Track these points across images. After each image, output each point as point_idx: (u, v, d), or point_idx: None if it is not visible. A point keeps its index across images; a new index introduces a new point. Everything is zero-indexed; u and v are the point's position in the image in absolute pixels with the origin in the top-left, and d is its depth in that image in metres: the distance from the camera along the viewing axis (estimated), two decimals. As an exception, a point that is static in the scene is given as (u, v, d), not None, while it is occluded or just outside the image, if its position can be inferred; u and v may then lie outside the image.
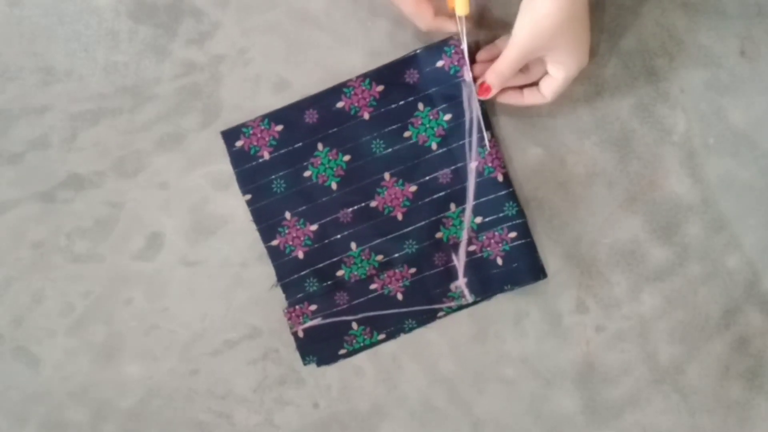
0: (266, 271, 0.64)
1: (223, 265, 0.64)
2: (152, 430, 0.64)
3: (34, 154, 0.64)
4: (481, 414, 0.64)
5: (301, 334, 0.63)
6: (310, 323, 0.63)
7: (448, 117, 0.63)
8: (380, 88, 0.63)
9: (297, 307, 0.63)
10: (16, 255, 0.64)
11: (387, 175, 0.63)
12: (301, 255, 0.63)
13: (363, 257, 0.63)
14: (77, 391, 0.64)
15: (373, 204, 0.63)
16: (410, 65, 0.63)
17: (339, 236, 0.63)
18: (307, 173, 0.63)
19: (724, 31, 0.64)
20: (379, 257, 0.63)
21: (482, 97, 0.61)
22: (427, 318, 0.64)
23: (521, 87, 0.62)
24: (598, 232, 0.64)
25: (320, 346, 0.64)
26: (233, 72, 0.64)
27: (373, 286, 0.63)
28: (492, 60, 0.61)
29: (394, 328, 0.64)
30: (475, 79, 0.62)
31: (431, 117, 0.63)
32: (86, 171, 0.64)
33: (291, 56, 0.64)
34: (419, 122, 0.63)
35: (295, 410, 0.64)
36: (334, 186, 0.63)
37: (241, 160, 0.63)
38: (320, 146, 0.63)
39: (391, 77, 0.63)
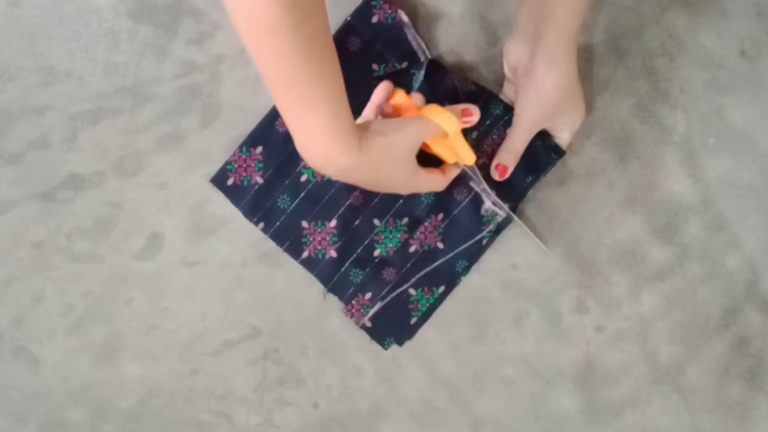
0: (266, 272, 0.64)
1: (223, 265, 0.64)
2: (152, 430, 0.64)
3: (34, 154, 0.64)
4: (481, 414, 0.64)
5: (369, 324, 0.64)
6: (372, 311, 0.64)
7: (405, 64, 0.63)
8: None
9: (353, 302, 0.64)
10: (16, 255, 0.64)
11: None
12: (334, 254, 0.63)
13: (390, 228, 0.64)
14: (77, 391, 0.64)
15: None
16: (349, 33, 0.63)
17: (359, 220, 0.64)
18: (303, 177, 0.63)
19: (724, 31, 0.64)
20: (405, 220, 0.64)
21: (501, 179, 0.61)
22: (474, 252, 0.64)
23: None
24: (598, 232, 0.64)
25: (392, 326, 0.64)
26: (233, 72, 0.64)
27: (412, 249, 0.64)
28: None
29: (448, 276, 0.64)
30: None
31: (389, 71, 0.63)
32: (86, 171, 0.64)
33: (291, 56, 0.64)
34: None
35: (295, 410, 0.64)
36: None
37: (239, 195, 0.63)
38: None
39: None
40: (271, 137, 0.63)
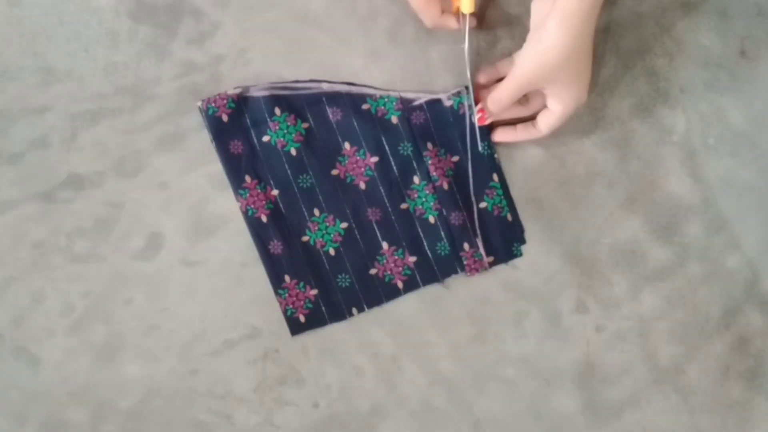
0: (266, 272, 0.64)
1: (223, 265, 0.64)
2: (152, 430, 0.64)
3: (34, 154, 0.64)
4: (481, 414, 0.64)
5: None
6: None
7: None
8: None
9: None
10: (16, 255, 0.64)
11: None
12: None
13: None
14: (77, 391, 0.64)
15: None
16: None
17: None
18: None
19: (724, 31, 0.64)
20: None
21: (479, 124, 0.62)
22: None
23: (514, 123, 0.63)
24: (598, 232, 0.64)
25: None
26: (233, 72, 0.64)
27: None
28: (489, 83, 0.62)
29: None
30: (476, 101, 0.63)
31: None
32: (86, 171, 0.64)
33: (291, 56, 0.64)
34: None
35: (295, 410, 0.64)
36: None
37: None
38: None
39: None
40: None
